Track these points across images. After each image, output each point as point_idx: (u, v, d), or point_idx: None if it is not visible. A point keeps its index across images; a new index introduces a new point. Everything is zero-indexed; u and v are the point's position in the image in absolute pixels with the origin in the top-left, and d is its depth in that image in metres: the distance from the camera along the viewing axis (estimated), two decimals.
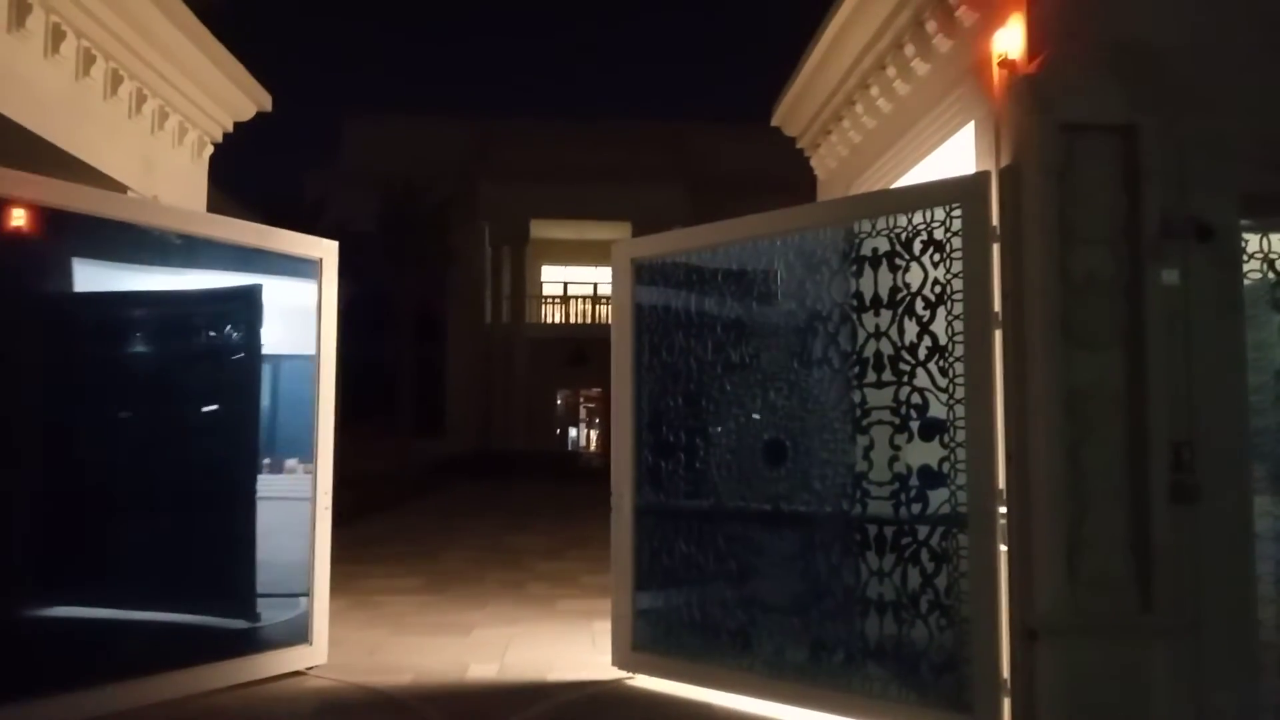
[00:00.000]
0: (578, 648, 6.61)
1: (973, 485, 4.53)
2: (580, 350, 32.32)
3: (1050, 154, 4.23)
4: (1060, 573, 4.12)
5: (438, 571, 10.17)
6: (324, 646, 6.03)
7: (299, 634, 5.95)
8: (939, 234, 4.72)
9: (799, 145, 8.65)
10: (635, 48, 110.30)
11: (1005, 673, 4.36)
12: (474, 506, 18.88)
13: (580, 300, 34.94)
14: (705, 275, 5.78)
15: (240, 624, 5.89)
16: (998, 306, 4.50)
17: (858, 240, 5.07)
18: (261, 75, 8.33)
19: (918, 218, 4.80)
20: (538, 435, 32.18)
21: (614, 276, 6.15)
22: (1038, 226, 4.24)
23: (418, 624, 7.44)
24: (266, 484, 6.02)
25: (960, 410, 4.60)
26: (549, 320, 34.55)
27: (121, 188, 6.93)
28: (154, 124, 7.52)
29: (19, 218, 4.96)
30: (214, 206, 8.38)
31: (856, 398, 5.03)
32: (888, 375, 4.90)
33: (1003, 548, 4.41)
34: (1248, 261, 4.45)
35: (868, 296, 5.00)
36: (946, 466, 4.65)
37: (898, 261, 4.88)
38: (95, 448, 5.47)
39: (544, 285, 35.54)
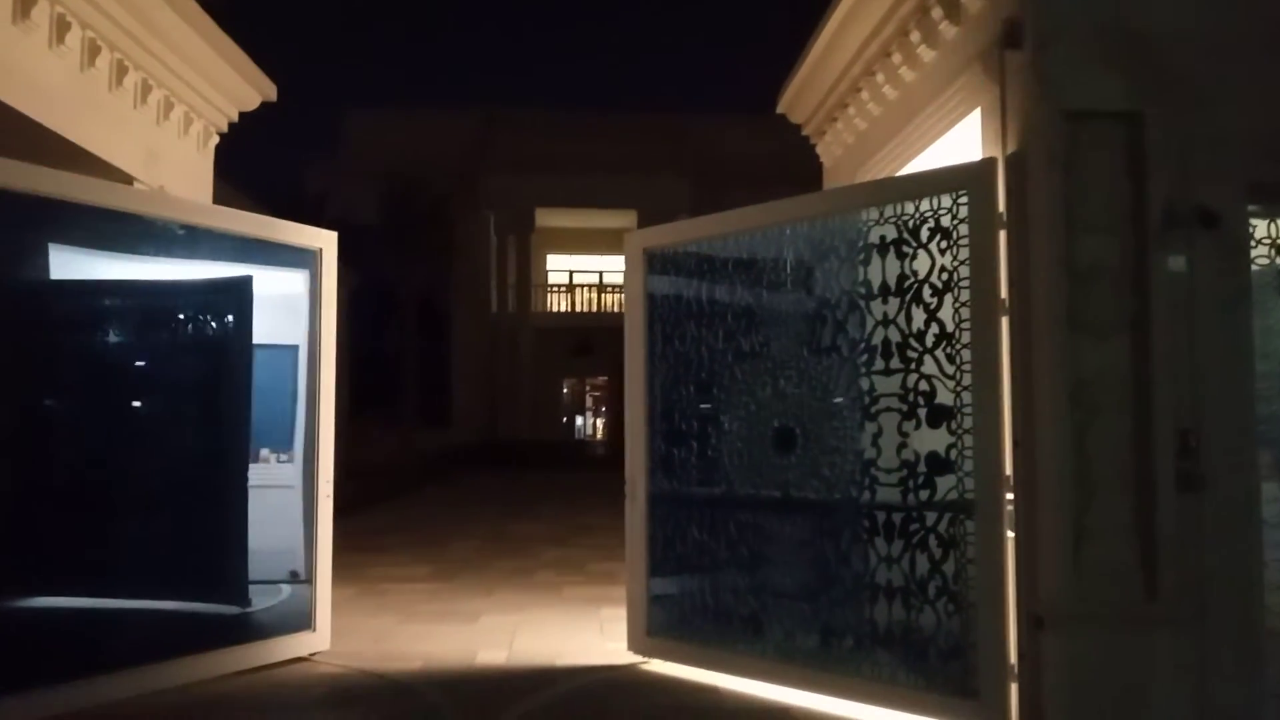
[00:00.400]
0: (586, 634, 6.64)
1: (980, 472, 4.55)
2: (586, 339, 32.33)
3: (1055, 142, 4.22)
4: (1066, 560, 4.13)
5: (445, 560, 10.21)
6: (327, 633, 6.08)
7: (302, 621, 6.00)
8: (946, 221, 4.73)
9: (804, 133, 8.63)
10: (639, 38, 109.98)
11: (1012, 659, 4.38)
12: (480, 495, 18.92)
13: (586, 289, 34.91)
14: (716, 264, 5.82)
15: (242, 611, 5.97)
16: (1004, 294, 4.50)
17: (866, 228, 5.08)
18: (265, 66, 8.33)
19: (925, 205, 4.82)
20: (544, 425, 32.20)
21: (626, 266, 6.20)
22: (1043, 214, 4.24)
23: (425, 612, 7.48)
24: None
25: (967, 397, 4.62)
26: (554, 309, 34.52)
27: (128, 178, 6.94)
28: (159, 114, 7.53)
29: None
30: (219, 198, 8.39)
31: (865, 385, 5.05)
32: (896, 363, 4.92)
33: (1010, 534, 4.42)
34: (1255, 247, 4.43)
35: (876, 284, 5.02)
36: (954, 453, 4.67)
37: (905, 249, 4.89)
38: (87, 438, 5.52)
39: (549, 274, 35.50)
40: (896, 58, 6.25)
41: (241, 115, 8.66)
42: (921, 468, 4.82)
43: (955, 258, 4.69)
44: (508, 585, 8.66)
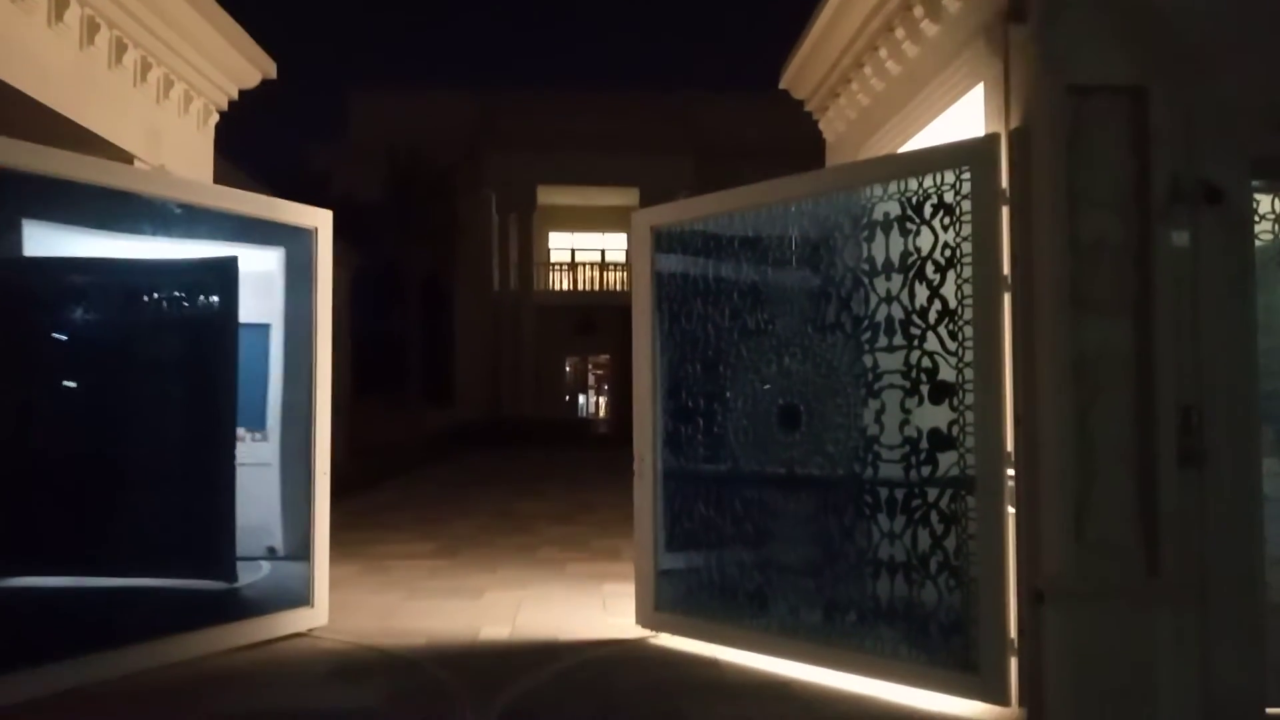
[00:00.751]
0: (589, 610, 6.68)
1: (981, 448, 4.55)
2: (588, 317, 32.35)
3: (1059, 117, 4.20)
4: (1068, 536, 4.14)
5: (449, 537, 10.26)
6: (325, 609, 6.13)
7: (300, 597, 6.05)
8: (949, 197, 4.72)
9: (807, 108, 8.59)
10: (641, 14, 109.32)
11: (1012, 634, 4.40)
12: (484, 474, 18.98)
13: (588, 267, 34.88)
14: (722, 242, 5.84)
15: (239, 588, 6.06)
16: (1007, 270, 4.49)
17: (870, 204, 5.08)
18: (265, 44, 8.30)
19: (928, 181, 4.80)
20: (547, 403, 32.26)
21: (634, 244, 6.24)
22: (1046, 190, 4.22)
23: (429, 588, 7.52)
24: None
25: (969, 374, 4.62)
26: (557, 287, 34.50)
27: (128, 157, 6.93)
28: (159, 93, 7.50)
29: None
30: (221, 177, 8.38)
31: (869, 362, 5.06)
32: (899, 339, 4.93)
33: (1011, 510, 4.44)
34: (1259, 223, 4.41)
35: (880, 261, 5.02)
36: (956, 429, 4.68)
37: (909, 225, 4.89)
38: (76, 418, 5.59)
39: (551, 252, 35.47)
40: (899, 32, 6.21)
41: (242, 94, 8.64)
42: (924, 444, 4.83)
43: (958, 234, 4.68)
44: (511, 562, 8.70)
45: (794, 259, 5.53)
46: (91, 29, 6.49)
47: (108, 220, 5.56)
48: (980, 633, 4.52)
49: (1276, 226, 4.49)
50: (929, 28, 5.85)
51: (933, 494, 4.79)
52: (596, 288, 34.22)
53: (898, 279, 4.94)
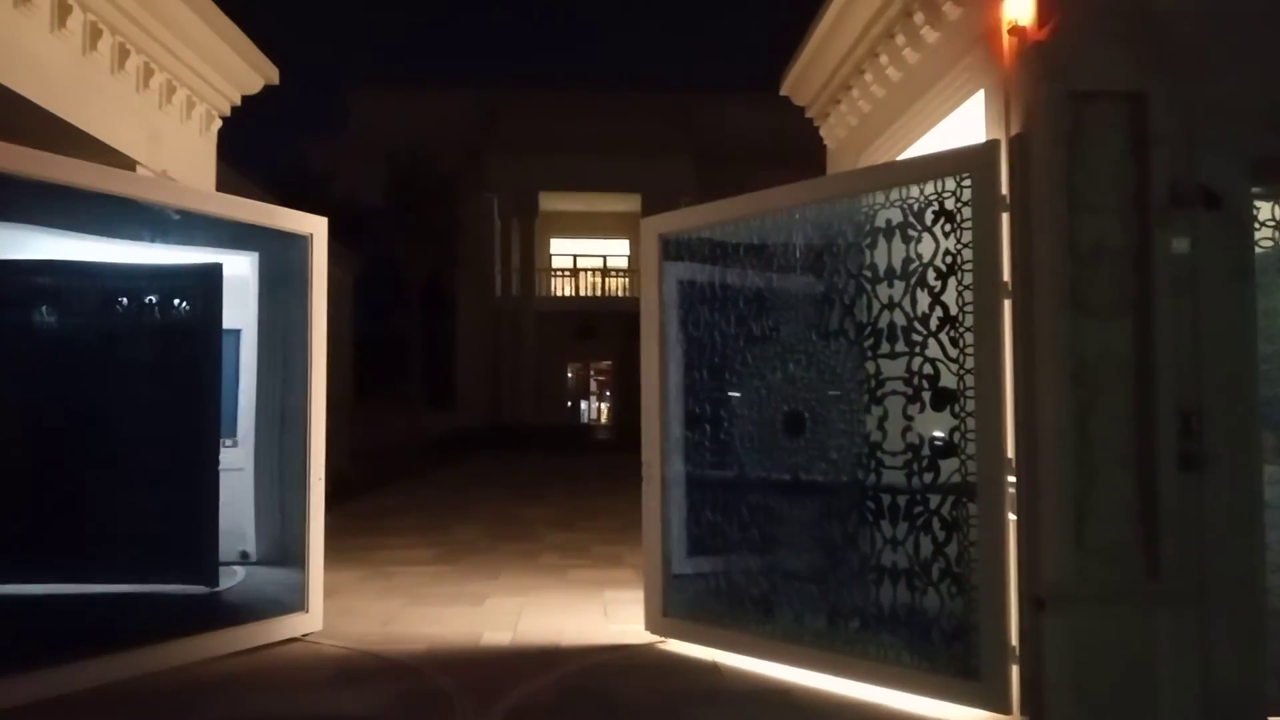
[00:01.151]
0: (590, 617, 6.67)
1: (982, 454, 4.55)
2: (590, 323, 32.37)
3: (1059, 122, 4.20)
4: (1068, 541, 4.13)
5: (450, 543, 10.25)
6: (319, 614, 6.13)
7: (294, 602, 6.05)
8: (950, 204, 4.72)
9: (808, 115, 8.61)
10: (642, 19, 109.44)
11: (1013, 640, 4.40)
12: (485, 479, 18.98)
13: (589, 273, 34.88)
14: (728, 249, 5.88)
15: (237, 593, 6.16)
16: (1007, 276, 4.50)
17: (873, 211, 5.09)
18: (267, 50, 8.32)
19: (929, 188, 4.81)
20: (548, 408, 32.26)
21: (642, 252, 6.27)
22: (1046, 195, 4.22)
23: (431, 594, 7.51)
24: None
25: (971, 380, 4.62)
26: (558, 293, 34.51)
27: (130, 162, 6.95)
28: (162, 98, 7.52)
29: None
30: (222, 181, 8.40)
31: (871, 368, 5.07)
32: (901, 346, 4.93)
33: (1012, 516, 4.43)
34: (1259, 229, 4.42)
35: (882, 268, 5.03)
36: (957, 436, 4.68)
37: (910, 232, 4.89)
38: (58, 422, 5.65)
39: (553, 258, 35.48)
40: (900, 39, 6.23)
41: (244, 99, 8.66)
42: (925, 451, 4.83)
43: (959, 240, 4.69)
44: (513, 568, 8.69)
45: (798, 266, 5.54)
46: (94, 35, 6.51)
47: (74, 222, 5.59)
48: (981, 639, 4.51)
49: (1276, 233, 4.49)
50: (929, 34, 5.87)
51: (934, 500, 4.79)
52: (598, 293, 34.23)
53: (900, 286, 4.95)
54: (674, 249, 6.14)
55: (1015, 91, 4.53)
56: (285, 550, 6.25)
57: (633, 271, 33.61)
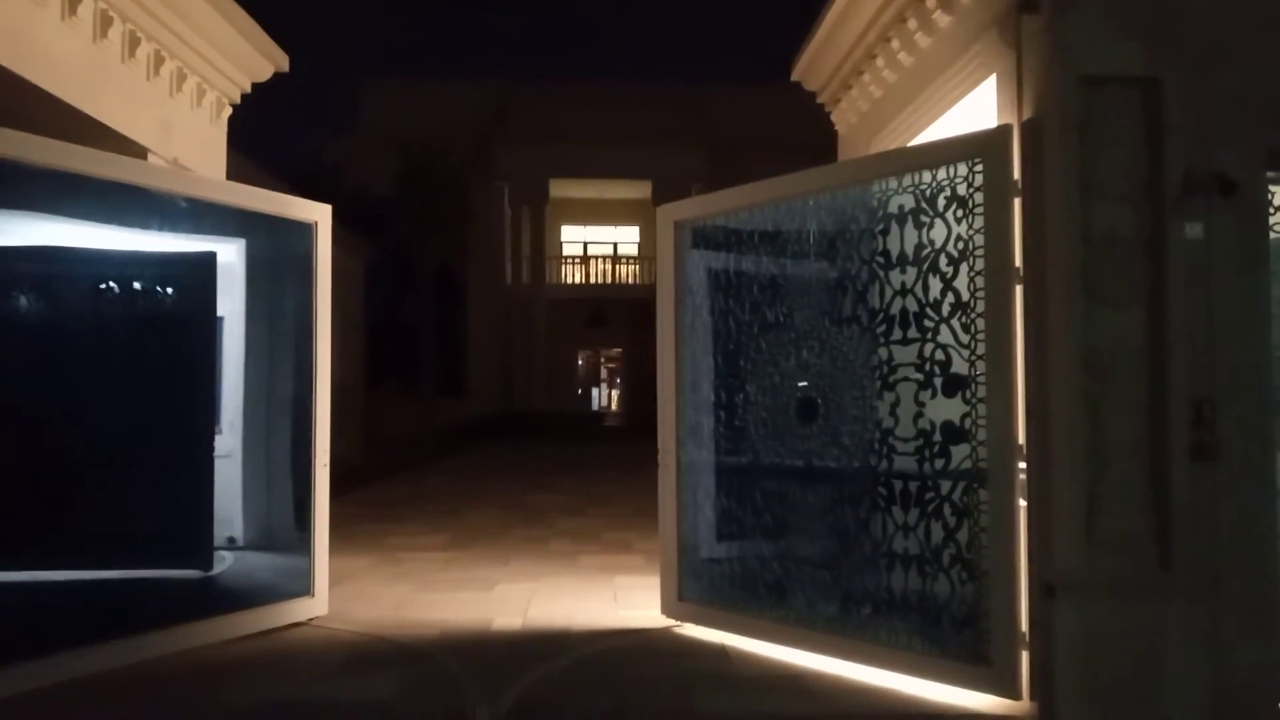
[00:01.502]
0: (600, 602, 6.69)
1: (993, 441, 4.55)
2: (600, 311, 32.36)
3: (1071, 108, 4.18)
4: (1079, 529, 4.13)
5: (461, 529, 10.29)
6: (324, 598, 6.18)
7: (301, 586, 6.09)
8: (962, 189, 4.71)
9: (819, 100, 8.57)
10: (653, 6, 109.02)
11: (1024, 627, 4.40)
12: (496, 466, 19.02)
13: (600, 260, 34.85)
14: (743, 236, 5.90)
15: (242, 577, 6.22)
16: (1019, 262, 4.48)
17: (886, 197, 5.08)
18: (278, 37, 8.32)
19: (942, 174, 4.79)
20: (559, 396, 32.29)
21: (659, 239, 6.29)
22: (1058, 182, 4.20)
23: (442, 580, 7.54)
24: None
25: (982, 366, 4.61)
26: (569, 281, 34.49)
27: (142, 150, 6.96)
28: (172, 86, 7.53)
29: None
30: (233, 169, 8.41)
31: (884, 355, 5.07)
32: (913, 332, 4.93)
33: (1022, 503, 4.43)
34: (1274, 215, 4.38)
35: (895, 254, 5.02)
36: (968, 422, 4.67)
37: (923, 218, 4.88)
38: (55, 412, 5.69)
39: (564, 246, 35.45)
40: (912, 24, 6.19)
41: (255, 86, 8.66)
42: (937, 437, 4.83)
43: (971, 226, 4.67)
44: (523, 554, 8.72)
45: (812, 252, 5.55)
46: (105, 23, 6.51)
47: (57, 207, 5.59)
48: (992, 626, 4.51)
49: None
50: (941, 19, 5.83)
51: (945, 487, 4.79)
52: (609, 281, 34.20)
53: (912, 272, 4.94)
54: (690, 236, 6.16)
55: (1027, 77, 4.50)
56: (272, 536, 6.36)
57: (643, 258, 33.58)
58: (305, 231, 6.16)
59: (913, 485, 4.93)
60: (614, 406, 38.07)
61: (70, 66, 6.24)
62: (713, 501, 6.03)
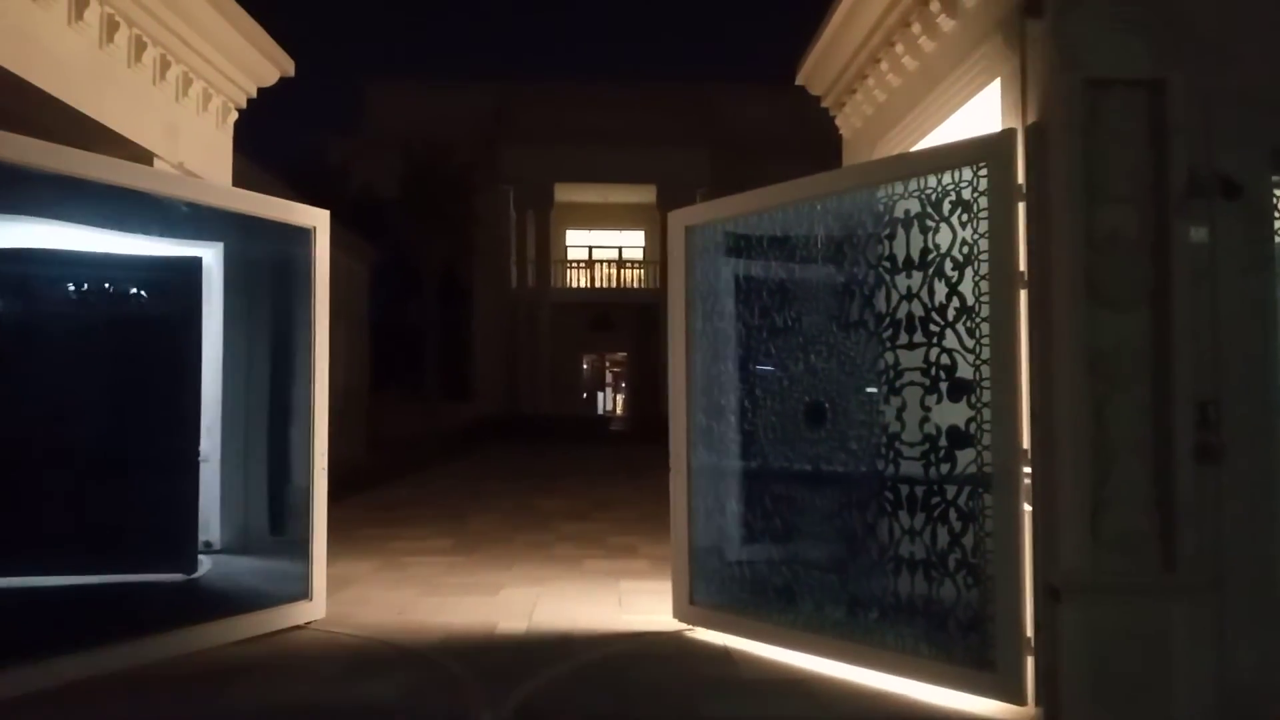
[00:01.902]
0: (605, 607, 6.68)
1: (997, 445, 4.54)
2: (605, 314, 32.39)
3: (1075, 110, 4.17)
4: (1083, 532, 4.12)
5: (466, 533, 10.29)
6: (322, 602, 6.18)
7: (298, 590, 6.09)
8: (967, 194, 4.71)
9: (823, 104, 8.57)
10: (657, 9, 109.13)
11: (1029, 631, 4.38)
12: (501, 470, 19.02)
13: (605, 264, 34.89)
14: (751, 241, 5.93)
15: (239, 581, 6.23)
16: (1023, 266, 4.47)
17: (892, 202, 5.08)
18: (284, 42, 8.34)
19: (947, 178, 4.79)
20: (564, 400, 32.34)
21: (669, 245, 6.32)
22: (1063, 184, 4.20)
23: (446, 584, 7.54)
24: None
25: (987, 371, 4.60)
26: (574, 285, 34.53)
27: (147, 155, 6.98)
28: (178, 91, 7.55)
29: None
30: (239, 174, 8.43)
31: (890, 359, 5.07)
32: (919, 337, 4.93)
33: (1027, 507, 4.42)
34: (1279, 216, 4.37)
35: (900, 258, 5.02)
36: (973, 427, 4.66)
37: (929, 223, 4.88)
38: (38, 411, 5.70)
39: (568, 249, 35.51)
40: (916, 28, 6.19)
41: (261, 91, 8.68)
42: (942, 441, 4.82)
43: (976, 230, 4.67)
44: (528, 558, 8.72)
45: (820, 257, 5.56)
46: (111, 27, 6.53)
47: (33, 208, 5.60)
48: (997, 630, 4.50)
49: None
50: (945, 22, 5.83)
51: (951, 491, 4.78)
52: (613, 285, 34.23)
53: (917, 276, 4.94)
54: (700, 241, 6.18)
55: (1031, 80, 4.50)
56: (249, 539, 6.39)
57: (648, 262, 33.63)
58: (304, 236, 6.16)
59: (919, 490, 4.92)
60: (619, 410, 38.09)
61: (76, 70, 6.25)
62: (723, 505, 6.04)
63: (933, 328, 4.87)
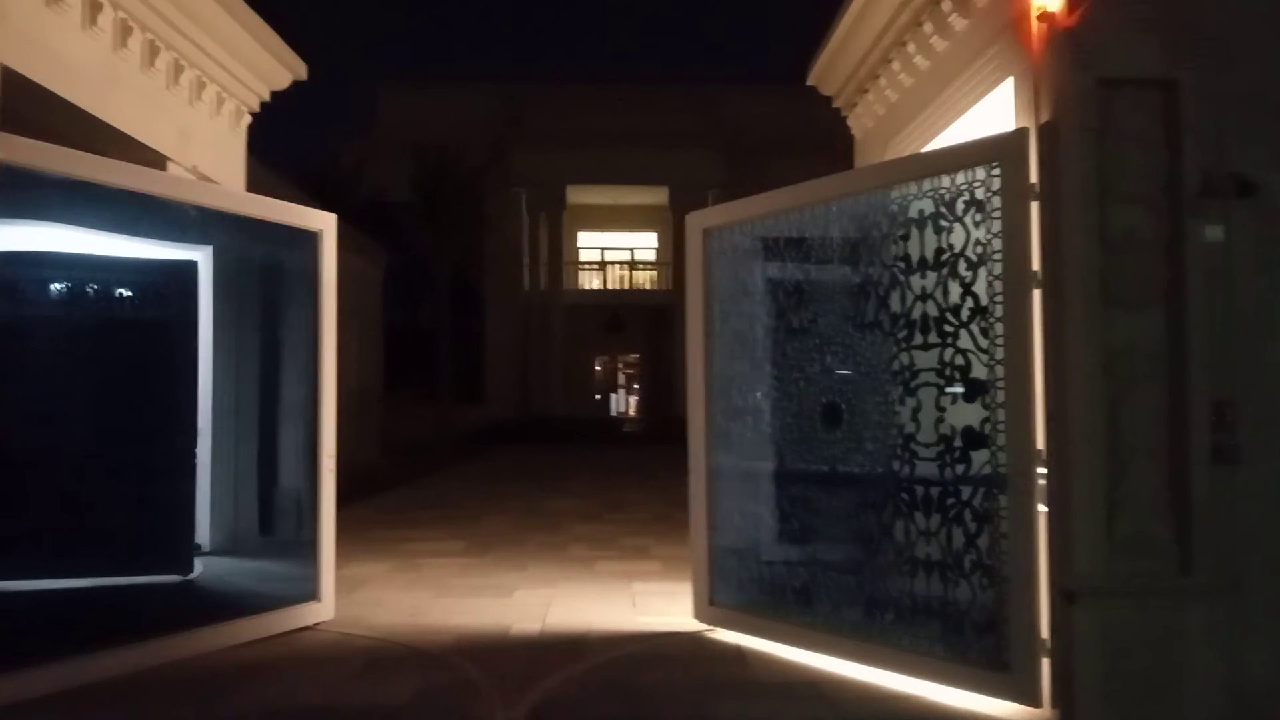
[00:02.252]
0: (618, 608, 6.68)
1: (1012, 446, 4.52)
2: (617, 316, 32.38)
3: (1088, 110, 4.16)
4: (1098, 533, 4.10)
5: (479, 535, 10.29)
6: (331, 603, 6.19)
7: (307, 591, 6.10)
8: (980, 194, 4.69)
9: (835, 105, 8.56)
10: (669, 10, 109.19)
11: (1044, 633, 4.36)
12: (514, 471, 19.04)
13: (617, 266, 34.90)
14: (768, 243, 5.93)
15: (248, 582, 6.29)
16: (1037, 266, 4.45)
17: (906, 202, 5.07)
18: (296, 46, 8.37)
19: (960, 178, 4.77)
20: (577, 401, 32.34)
21: (687, 247, 6.34)
22: (1076, 184, 4.18)
23: (459, 586, 7.55)
24: None
25: (1001, 371, 4.58)
26: (586, 286, 34.56)
27: (161, 159, 7.01)
28: (191, 95, 7.59)
29: None
30: (252, 177, 8.47)
31: (905, 360, 5.06)
32: (933, 337, 4.92)
33: (1042, 508, 4.40)
34: None
35: (915, 259, 5.01)
36: (988, 427, 4.65)
37: (943, 223, 4.87)
38: (37, 414, 5.78)
39: (580, 251, 35.52)
40: (928, 27, 6.18)
41: (274, 95, 8.72)
42: (957, 442, 4.81)
43: (989, 230, 4.65)
44: (541, 560, 8.73)
45: (836, 258, 5.56)
46: (124, 32, 6.57)
47: (60, 214, 5.68)
48: (1011, 631, 4.48)
49: None
50: (957, 22, 5.82)
51: (966, 492, 4.77)
52: (626, 286, 34.25)
53: (932, 277, 4.93)
54: (718, 243, 6.19)
55: (1044, 79, 4.49)
56: (238, 542, 6.43)
57: (661, 264, 33.62)
58: (311, 239, 6.18)
59: (934, 491, 4.91)
60: (632, 412, 38.09)
61: (90, 75, 6.29)
62: (742, 506, 6.04)
63: (947, 328, 4.85)
